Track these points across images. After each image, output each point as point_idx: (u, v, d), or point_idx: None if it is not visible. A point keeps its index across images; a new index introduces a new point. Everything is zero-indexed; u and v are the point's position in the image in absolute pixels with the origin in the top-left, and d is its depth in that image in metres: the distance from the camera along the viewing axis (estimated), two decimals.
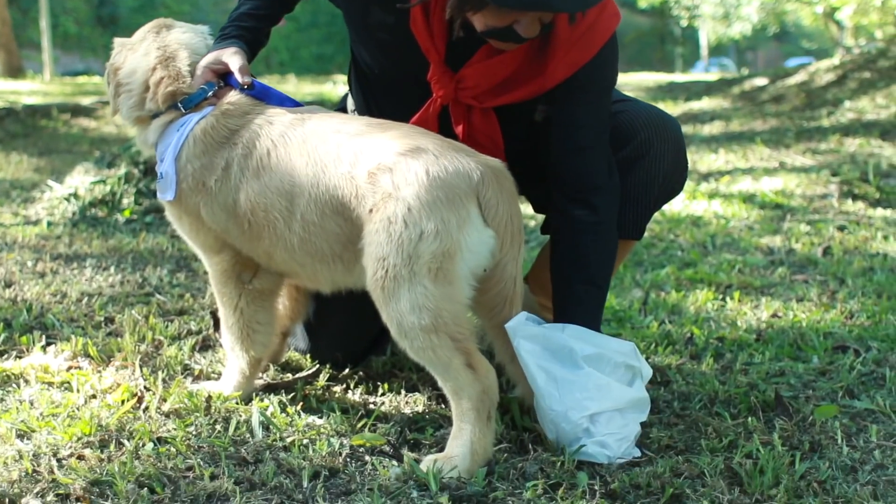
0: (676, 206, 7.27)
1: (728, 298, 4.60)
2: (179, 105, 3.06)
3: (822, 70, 16.78)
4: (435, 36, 2.92)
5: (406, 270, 2.58)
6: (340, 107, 3.53)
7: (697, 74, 33.57)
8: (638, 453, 2.77)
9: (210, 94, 3.07)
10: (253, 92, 3.06)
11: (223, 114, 3.02)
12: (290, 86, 20.43)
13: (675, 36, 45.89)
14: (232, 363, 3.16)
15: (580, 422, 2.72)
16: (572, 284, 2.98)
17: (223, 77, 3.11)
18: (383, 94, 3.22)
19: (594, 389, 2.73)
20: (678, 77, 27.82)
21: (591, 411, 2.72)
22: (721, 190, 8.20)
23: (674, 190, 3.24)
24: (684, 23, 37.39)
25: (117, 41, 3.31)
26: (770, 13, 30.92)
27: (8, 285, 4.49)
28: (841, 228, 6.33)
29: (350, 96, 3.45)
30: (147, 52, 3.15)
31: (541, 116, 3.19)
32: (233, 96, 3.05)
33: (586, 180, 2.99)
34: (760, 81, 18.20)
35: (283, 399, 3.12)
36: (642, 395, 2.82)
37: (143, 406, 3.02)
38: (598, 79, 2.98)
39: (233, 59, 3.08)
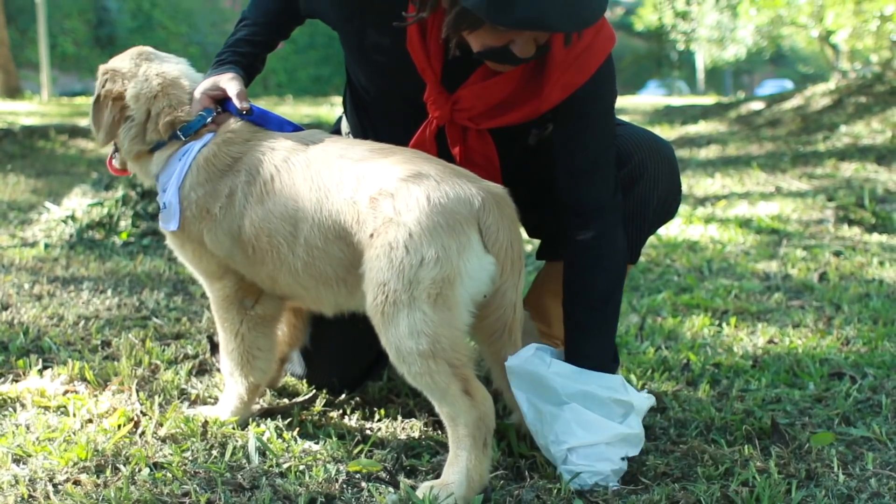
0: (673, 230, 7.29)
1: (724, 324, 4.60)
2: (179, 133, 3.06)
3: (818, 94, 16.85)
4: (431, 56, 2.94)
5: (406, 296, 2.59)
6: (335, 129, 3.54)
7: (646, 96, 33.73)
8: (616, 485, 2.76)
9: (209, 120, 3.07)
10: (251, 117, 3.07)
11: (224, 141, 3.03)
12: (288, 108, 20.49)
13: (671, 60, 46.08)
14: (230, 388, 3.16)
15: (559, 454, 2.75)
16: (578, 309, 2.99)
17: (220, 103, 3.12)
18: (379, 116, 3.23)
19: (574, 423, 2.74)
20: (675, 101, 27.90)
21: (568, 445, 2.73)
22: (717, 214, 8.22)
23: (668, 213, 3.25)
24: (681, 46, 37.53)
25: (107, 68, 3.24)
26: (766, 36, 31.08)
27: (5, 308, 4.50)
28: (837, 254, 6.34)
29: (345, 118, 3.46)
30: (148, 79, 3.14)
31: (534, 140, 3.20)
32: (233, 123, 3.06)
33: (587, 203, 2.98)
34: (756, 105, 18.27)
35: (280, 424, 3.11)
36: (633, 430, 2.81)
37: (139, 431, 3.02)
38: (595, 101, 2.98)
39: (230, 84, 3.10)
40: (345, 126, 3.45)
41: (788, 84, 45.96)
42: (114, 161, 3.29)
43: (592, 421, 2.75)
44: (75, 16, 36.27)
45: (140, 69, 3.17)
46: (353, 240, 2.76)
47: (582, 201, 2.99)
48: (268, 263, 2.93)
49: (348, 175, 2.80)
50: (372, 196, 2.71)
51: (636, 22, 37.96)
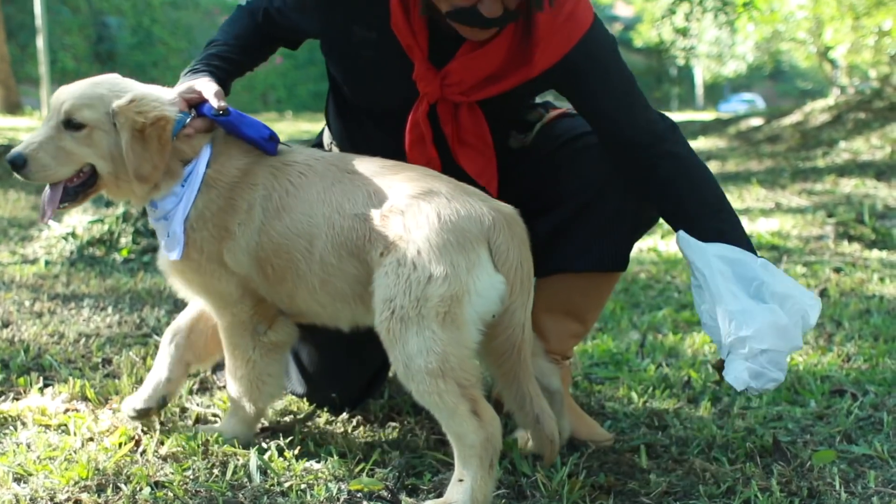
0: (673, 246, 7.29)
1: None
2: None
3: (818, 110, 16.87)
4: (417, 33, 2.97)
5: (414, 313, 2.59)
6: (316, 142, 3.54)
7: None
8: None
9: (187, 122, 2.96)
10: (229, 118, 2.97)
11: (225, 155, 2.98)
12: (287, 124, 20.51)
13: (671, 76, 46.13)
14: (236, 413, 3.15)
15: (748, 350, 2.72)
16: (702, 222, 2.94)
17: (195, 107, 3.01)
18: (368, 118, 3.22)
19: (773, 327, 2.72)
20: (675, 116, 27.93)
21: (763, 347, 2.71)
22: None
23: (651, 218, 3.24)
24: (681, 62, 37.55)
25: (125, 104, 2.89)
26: (765, 52, 31.08)
27: (5, 325, 4.49)
28: (837, 270, 6.34)
29: (326, 130, 3.47)
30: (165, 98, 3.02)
31: (516, 144, 3.23)
32: (220, 137, 2.99)
33: (643, 141, 3.01)
34: (756, 121, 18.29)
35: (281, 443, 3.10)
36: (801, 343, 2.82)
37: (140, 449, 3.01)
38: (593, 59, 3.02)
39: (206, 86, 3.01)
40: (327, 137, 3.46)
41: (758, 99, 45.92)
42: (63, 204, 3.00)
43: (788, 329, 2.74)
44: (75, 32, 36.31)
45: (148, 89, 3.00)
46: (366, 257, 2.77)
47: (639, 140, 3.01)
48: (288, 281, 2.92)
49: (360, 191, 2.82)
50: (383, 213, 2.73)
51: (635, 38, 37.99)
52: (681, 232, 2.92)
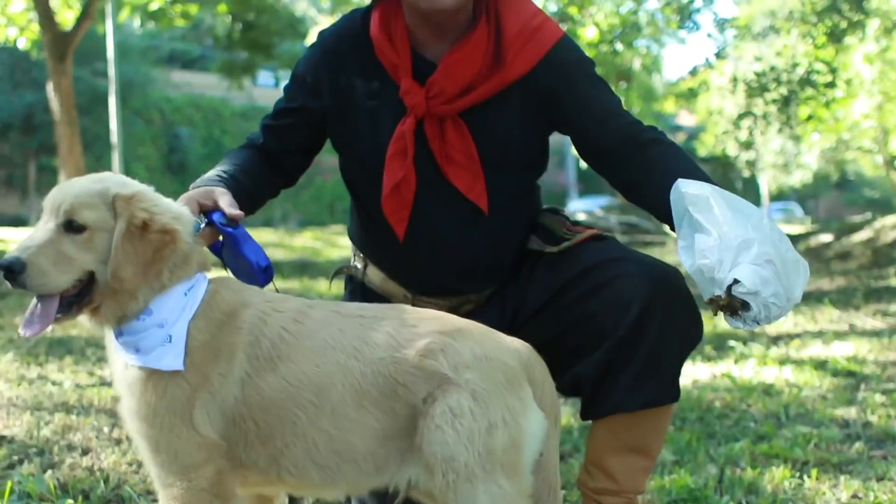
0: (747, 372, 7.20)
1: (805, 476, 4.50)
2: None
3: (888, 227, 16.72)
4: (399, 52, 3.16)
5: (479, 469, 2.45)
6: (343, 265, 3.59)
7: None
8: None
9: (199, 229, 2.76)
10: (235, 231, 2.84)
11: (220, 286, 2.69)
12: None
13: (735, 188, 46.12)
14: None
15: (760, 252, 2.77)
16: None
17: (205, 214, 2.89)
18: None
19: (774, 245, 2.84)
20: None
21: (770, 257, 2.79)
22: (792, 355, 8.10)
23: (694, 340, 3.18)
24: (746, 174, 37.51)
25: (129, 195, 2.63)
26: (830, 161, 31.00)
27: (85, 453, 4.53)
28: None
29: (352, 246, 3.55)
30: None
31: (536, 246, 3.31)
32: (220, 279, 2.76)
33: (633, 137, 3.18)
34: (826, 238, 18.16)
35: None
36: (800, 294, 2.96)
37: None
38: (572, 63, 3.24)
39: (223, 196, 2.95)
40: (351, 251, 3.55)
41: (797, 209, 45.74)
42: (57, 316, 2.58)
43: (789, 265, 2.87)
44: (148, 142, 37.18)
45: (155, 194, 2.73)
46: (395, 405, 2.53)
47: (627, 136, 3.19)
48: (276, 439, 2.56)
49: (377, 334, 2.58)
50: (418, 353, 2.53)
51: (699, 147, 38.11)
52: (679, 179, 2.97)
